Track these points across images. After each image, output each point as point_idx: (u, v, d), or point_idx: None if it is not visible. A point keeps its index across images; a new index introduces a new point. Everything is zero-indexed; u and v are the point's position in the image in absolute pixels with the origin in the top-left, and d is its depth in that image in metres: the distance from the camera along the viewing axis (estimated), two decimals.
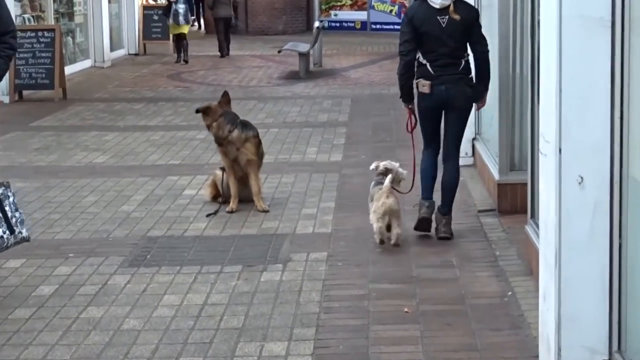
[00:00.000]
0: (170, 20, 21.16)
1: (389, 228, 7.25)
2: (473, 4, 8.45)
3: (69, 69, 17.83)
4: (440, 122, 7.52)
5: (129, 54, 23.09)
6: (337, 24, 28.44)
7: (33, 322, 5.93)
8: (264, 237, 7.68)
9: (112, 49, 21.44)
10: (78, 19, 20.21)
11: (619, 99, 4.42)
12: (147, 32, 23.49)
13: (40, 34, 16.00)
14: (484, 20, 9.25)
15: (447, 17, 7.25)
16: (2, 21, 6.55)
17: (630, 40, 4.34)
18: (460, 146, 7.63)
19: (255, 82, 17.86)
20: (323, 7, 27.49)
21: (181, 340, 5.58)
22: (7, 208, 6.20)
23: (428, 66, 7.31)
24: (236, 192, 8.53)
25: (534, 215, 6.60)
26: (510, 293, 6.20)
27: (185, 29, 21.15)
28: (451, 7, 7.26)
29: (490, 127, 8.96)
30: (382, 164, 7.61)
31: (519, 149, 8.10)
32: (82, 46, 20.37)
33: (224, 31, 22.30)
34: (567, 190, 4.52)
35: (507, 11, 8.19)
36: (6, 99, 15.62)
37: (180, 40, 21.07)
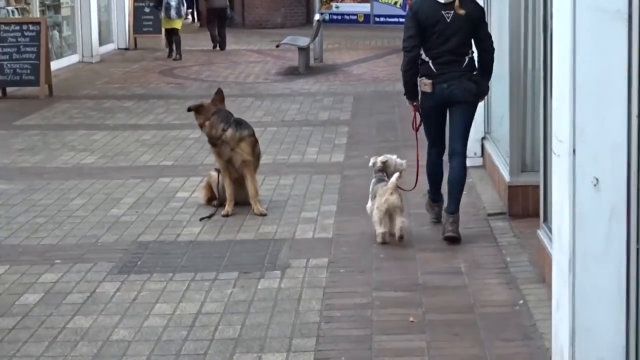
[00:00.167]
0: (162, 14, 21.13)
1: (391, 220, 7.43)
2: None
3: (55, 65, 17.85)
4: (444, 121, 7.66)
5: (119, 49, 23.11)
6: (339, 17, 28.48)
7: (17, 332, 5.92)
8: (262, 242, 7.68)
9: (100, 44, 21.47)
10: (65, 11, 20.24)
11: (636, 95, 4.41)
12: (138, 25, 23.51)
13: (25, 27, 16.01)
14: (493, 12, 9.27)
15: (452, 12, 7.40)
16: None
17: None
18: (467, 144, 7.72)
19: (252, 78, 17.87)
20: None
21: (174, 352, 5.58)
22: None
23: (430, 64, 7.45)
24: (232, 194, 8.53)
25: (547, 220, 6.60)
26: (521, 302, 6.20)
27: (177, 24, 21.01)
28: (456, 2, 7.41)
29: (501, 125, 8.97)
30: (380, 159, 7.75)
31: (531, 149, 8.11)
32: (69, 40, 20.39)
33: (218, 24, 22.30)
34: (581, 192, 4.52)
35: (519, 2, 8.19)
36: None
37: (172, 36, 21.00)
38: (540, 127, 7.02)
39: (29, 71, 15.83)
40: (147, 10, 23.26)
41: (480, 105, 8.15)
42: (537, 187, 7.06)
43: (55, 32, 19.60)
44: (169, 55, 21.12)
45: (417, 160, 7.81)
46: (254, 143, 8.76)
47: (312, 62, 19.29)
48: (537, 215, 6.96)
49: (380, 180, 7.62)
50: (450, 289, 6.50)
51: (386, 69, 18.66)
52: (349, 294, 6.45)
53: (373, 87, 16.36)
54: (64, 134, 12.53)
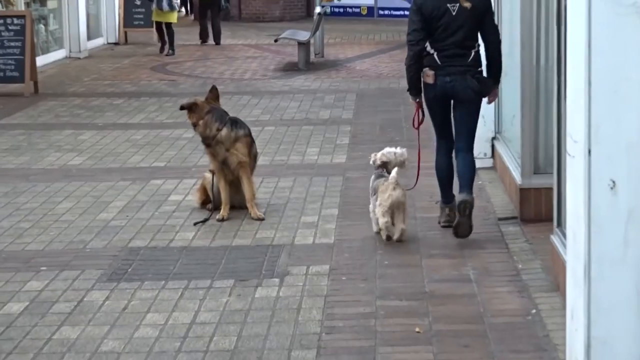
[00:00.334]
0: (154, 5, 21.09)
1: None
2: None
3: (41, 60, 17.85)
4: (449, 113, 7.81)
5: (108, 43, 23.11)
6: (341, 10, 28.49)
7: (0, 343, 5.93)
8: (259, 248, 7.69)
9: (89, 38, 21.46)
10: (51, 4, 20.24)
11: None
12: (129, 18, 23.48)
13: (9, 20, 16.02)
14: (504, 5, 9.28)
15: (457, 5, 7.54)
16: None
17: None
18: (473, 143, 7.80)
19: (249, 74, 17.88)
20: None
21: None
22: None
23: (435, 56, 7.60)
24: (227, 197, 8.54)
25: (561, 224, 6.61)
26: (534, 311, 6.21)
27: (172, 17, 20.90)
28: None
29: (512, 125, 8.97)
30: (379, 156, 7.84)
31: (544, 149, 8.11)
32: (56, 34, 20.40)
33: (212, 16, 22.26)
34: (597, 196, 4.52)
35: None
36: None
37: (163, 29, 20.94)
38: (553, 127, 7.03)
39: (13, 67, 15.83)
40: (138, 2, 23.22)
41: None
42: (551, 189, 7.06)
43: (41, 26, 19.60)
44: (161, 51, 21.11)
45: (419, 159, 7.95)
46: (251, 143, 8.76)
47: (312, 57, 19.29)
48: (551, 220, 6.97)
49: (380, 176, 7.70)
50: (458, 297, 6.50)
51: (391, 64, 18.67)
52: (351, 303, 6.45)
53: (377, 84, 16.36)
54: (50, 133, 12.54)
